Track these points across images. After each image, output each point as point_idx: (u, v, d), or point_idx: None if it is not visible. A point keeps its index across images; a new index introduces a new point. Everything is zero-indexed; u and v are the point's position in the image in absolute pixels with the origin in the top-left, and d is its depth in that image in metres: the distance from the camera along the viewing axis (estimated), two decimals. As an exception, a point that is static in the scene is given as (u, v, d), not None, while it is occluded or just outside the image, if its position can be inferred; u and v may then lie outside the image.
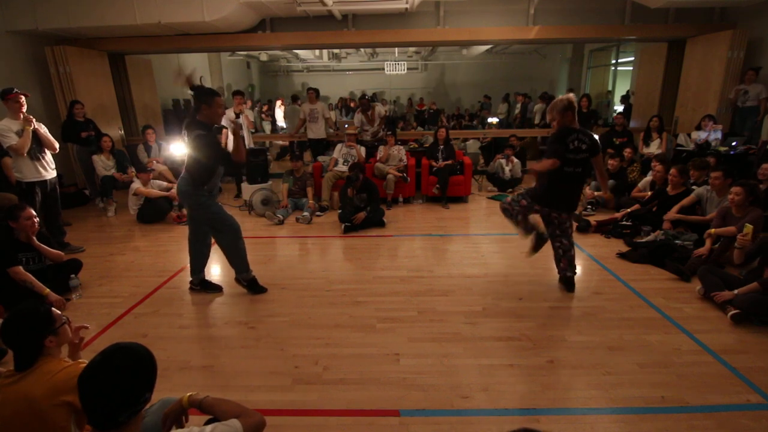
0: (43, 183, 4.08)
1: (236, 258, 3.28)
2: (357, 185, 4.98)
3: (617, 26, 6.69)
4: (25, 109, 3.89)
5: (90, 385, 1.11)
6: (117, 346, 1.18)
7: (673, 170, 4.29)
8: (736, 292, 2.85)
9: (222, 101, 2.99)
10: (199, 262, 3.36)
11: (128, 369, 1.14)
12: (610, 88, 11.66)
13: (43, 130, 4.05)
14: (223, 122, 6.07)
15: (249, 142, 6.37)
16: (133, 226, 5.20)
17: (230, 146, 6.08)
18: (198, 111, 2.94)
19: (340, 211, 5.06)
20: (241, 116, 6.18)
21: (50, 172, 4.14)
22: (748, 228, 3.07)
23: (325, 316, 2.99)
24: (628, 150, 5.91)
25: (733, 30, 5.98)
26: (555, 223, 3.26)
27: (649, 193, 4.70)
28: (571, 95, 3.07)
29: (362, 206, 4.96)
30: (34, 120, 3.92)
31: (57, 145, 4.12)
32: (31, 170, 3.98)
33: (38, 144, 3.99)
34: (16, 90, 3.84)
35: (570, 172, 3.00)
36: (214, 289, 3.40)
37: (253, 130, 7.49)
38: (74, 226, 5.14)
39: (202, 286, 3.40)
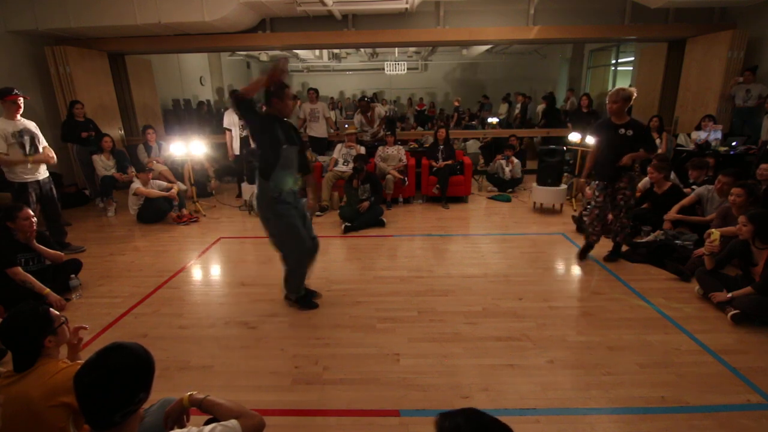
0: (36, 183, 4.02)
1: (291, 279, 3.07)
2: (362, 176, 5.16)
3: (617, 26, 6.69)
4: (21, 110, 3.84)
5: (85, 385, 1.11)
6: (112, 346, 1.17)
7: (649, 168, 4.35)
8: (730, 295, 2.85)
9: (291, 93, 2.88)
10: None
11: (123, 368, 1.14)
12: (609, 88, 11.65)
13: (42, 145, 4.00)
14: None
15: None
16: (133, 226, 5.20)
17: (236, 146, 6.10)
18: (269, 105, 2.83)
19: (340, 208, 5.18)
20: None
21: (42, 173, 4.06)
22: (715, 234, 3.04)
23: (326, 316, 2.99)
24: None
25: (733, 30, 5.99)
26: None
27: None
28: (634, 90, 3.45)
29: (366, 197, 5.13)
30: (39, 159, 3.93)
31: (55, 159, 4.09)
32: (23, 170, 3.91)
33: (32, 146, 3.92)
34: (15, 91, 3.79)
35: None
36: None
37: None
38: (74, 226, 5.13)
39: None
